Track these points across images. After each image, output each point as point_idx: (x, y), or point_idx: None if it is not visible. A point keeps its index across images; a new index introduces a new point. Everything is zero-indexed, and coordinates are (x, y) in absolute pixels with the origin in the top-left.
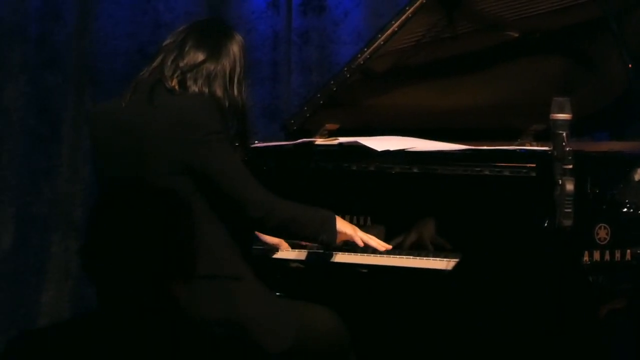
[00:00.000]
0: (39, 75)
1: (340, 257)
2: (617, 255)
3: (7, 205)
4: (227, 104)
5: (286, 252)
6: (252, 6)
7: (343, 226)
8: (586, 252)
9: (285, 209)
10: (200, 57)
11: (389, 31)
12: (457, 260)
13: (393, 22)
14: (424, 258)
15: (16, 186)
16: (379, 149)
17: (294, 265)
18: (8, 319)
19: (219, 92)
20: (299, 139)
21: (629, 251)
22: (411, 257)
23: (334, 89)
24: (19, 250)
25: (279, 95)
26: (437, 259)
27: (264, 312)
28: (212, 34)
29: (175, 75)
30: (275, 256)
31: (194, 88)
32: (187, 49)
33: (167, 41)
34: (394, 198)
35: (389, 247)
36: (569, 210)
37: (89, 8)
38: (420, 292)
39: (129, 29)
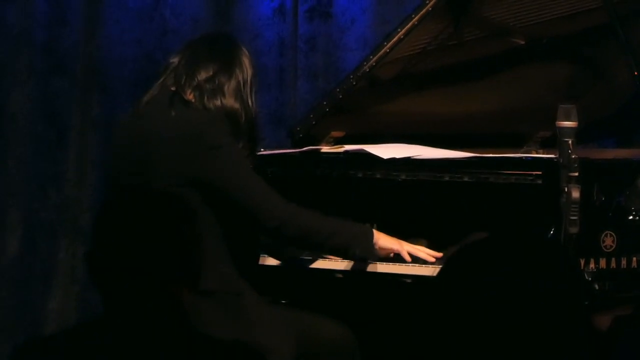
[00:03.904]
0: (46, 80)
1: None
2: (623, 262)
3: (14, 211)
4: (243, 115)
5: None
6: (258, 13)
7: (387, 242)
8: (592, 260)
9: (305, 219)
10: (213, 69)
11: (395, 38)
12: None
13: (399, 29)
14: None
15: (23, 192)
16: (385, 157)
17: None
18: (15, 325)
19: (234, 103)
20: (305, 146)
21: (634, 258)
22: (416, 264)
23: (340, 96)
24: (26, 256)
25: (285, 101)
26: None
27: (265, 327)
28: (221, 47)
29: (191, 87)
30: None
31: (210, 100)
32: (199, 62)
33: (176, 56)
34: (400, 206)
35: (439, 255)
36: (575, 217)
37: (95, 14)
38: (412, 299)
39: (136, 35)
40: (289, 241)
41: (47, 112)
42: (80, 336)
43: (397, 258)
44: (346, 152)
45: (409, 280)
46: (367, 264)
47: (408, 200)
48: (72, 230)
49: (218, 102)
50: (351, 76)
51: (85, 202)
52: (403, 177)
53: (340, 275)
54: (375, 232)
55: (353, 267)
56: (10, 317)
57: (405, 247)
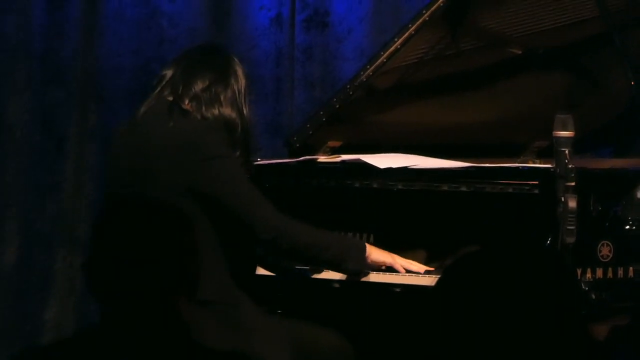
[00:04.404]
0: (44, 91)
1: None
2: (620, 272)
3: (11, 221)
4: (239, 123)
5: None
6: (255, 22)
7: (380, 255)
8: (589, 269)
9: (299, 232)
10: (210, 79)
11: (392, 48)
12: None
13: (396, 39)
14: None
15: (20, 202)
16: (382, 166)
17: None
18: (12, 335)
19: (231, 112)
20: (302, 155)
21: (631, 268)
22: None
23: (337, 106)
24: (23, 267)
25: (282, 111)
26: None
27: (261, 337)
28: (215, 58)
29: (189, 97)
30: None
31: (208, 109)
32: (195, 72)
33: (170, 67)
34: (396, 215)
35: (431, 269)
36: (572, 227)
37: (93, 24)
38: (405, 308)
39: (133, 45)
40: (283, 253)
41: (44, 123)
42: (77, 346)
43: (389, 269)
44: (343, 161)
45: (398, 290)
46: (361, 275)
47: (405, 210)
48: (69, 240)
49: (216, 111)
50: (348, 86)
51: (82, 212)
52: (400, 186)
53: (337, 285)
54: (367, 245)
55: (348, 278)
56: (7, 328)
57: (397, 261)
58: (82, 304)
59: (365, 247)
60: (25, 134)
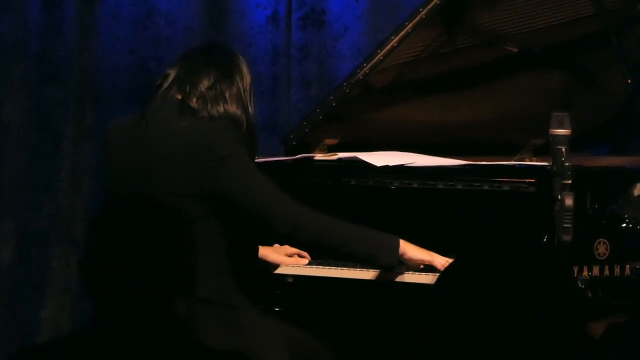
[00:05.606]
0: (40, 90)
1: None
2: (617, 270)
3: (7, 220)
4: (244, 120)
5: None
6: (252, 21)
7: (417, 252)
8: (585, 267)
9: (321, 224)
10: (215, 77)
11: (389, 46)
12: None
13: (392, 37)
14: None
15: (16, 201)
16: (378, 164)
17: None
18: (8, 335)
19: (236, 109)
20: (299, 153)
21: (628, 266)
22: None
23: (333, 104)
24: (19, 266)
25: (279, 109)
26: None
27: (259, 338)
28: (219, 56)
29: (196, 96)
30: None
31: (213, 107)
32: (200, 71)
33: (174, 66)
34: (392, 213)
35: None
36: (569, 225)
37: (89, 24)
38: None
39: (130, 45)
40: (304, 246)
41: (41, 122)
42: (73, 345)
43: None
44: (339, 159)
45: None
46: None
47: (401, 208)
48: (66, 239)
49: (221, 109)
50: (344, 84)
51: (78, 212)
52: (396, 184)
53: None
54: (402, 242)
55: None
56: (2, 327)
57: (437, 259)
58: (79, 303)
59: (398, 243)
60: (22, 133)
